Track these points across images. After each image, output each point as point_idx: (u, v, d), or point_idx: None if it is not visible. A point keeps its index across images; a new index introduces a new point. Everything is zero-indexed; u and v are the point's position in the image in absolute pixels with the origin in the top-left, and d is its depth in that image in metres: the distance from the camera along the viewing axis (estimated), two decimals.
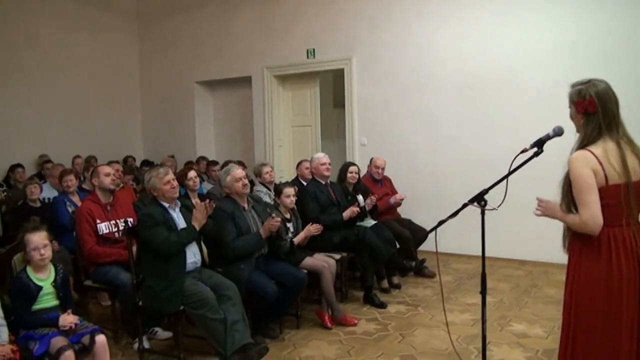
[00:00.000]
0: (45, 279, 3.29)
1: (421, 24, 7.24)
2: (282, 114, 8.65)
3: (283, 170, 8.41)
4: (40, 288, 3.25)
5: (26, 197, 5.61)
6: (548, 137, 2.77)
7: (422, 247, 6.37)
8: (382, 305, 5.20)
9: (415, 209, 6.77)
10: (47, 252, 3.27)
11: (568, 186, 2.44)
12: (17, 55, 7.95)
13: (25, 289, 3.21)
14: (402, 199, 6.33)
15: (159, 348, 4.29)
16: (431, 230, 3.20)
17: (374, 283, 5.44)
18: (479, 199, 2.99)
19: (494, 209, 2.98)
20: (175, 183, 4.01)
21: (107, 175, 4.54)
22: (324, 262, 4.79)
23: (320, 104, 8.42)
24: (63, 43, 8.53)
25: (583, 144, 2.44)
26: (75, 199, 5.59)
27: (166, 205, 3.99)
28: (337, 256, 5.15)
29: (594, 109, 2.41)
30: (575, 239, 2.51)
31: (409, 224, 6.36)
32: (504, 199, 2.93)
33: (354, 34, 7.71)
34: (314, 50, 8.02)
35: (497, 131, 6.81)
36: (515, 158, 2.84)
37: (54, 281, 3.32)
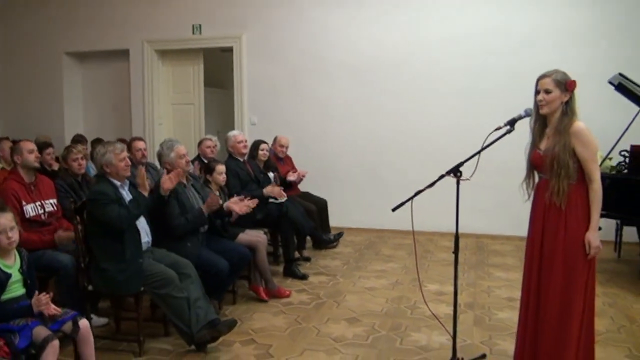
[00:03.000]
0: (12, 265, 3.01)
1: (314, 6, 7.50)
2: (162, 91, 8.38)
3: None
4: (9, 276, 2.97)
5: None
6: (520, 117, 3.18)
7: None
8: (304, 277, 5.44)
9: (305, 185, 7.02)
10: (15, 236, 3.00)
11: (572, 153, 2.92)
12: None
13: None
14: (304, 175, 6.56)
15: (103, 334, 4.09)
16: (407, 200, 3.44)
17: (293, 256, 5.65)
18: (455, 171, 3.31)
19: (467, 179, 3.32)
20: (129, 161, 3.85)
21: (31, 151, 4.17)
22: (257, 237, 4.89)
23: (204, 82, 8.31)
24: None
25: (575, 117, 2.97)
26: None
27: (117, 183, 3.82)
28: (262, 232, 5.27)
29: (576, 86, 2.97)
30: (577, 196, 2.99)
31: (310, 196, 6.66)
32: (474, 171, 3.27)
33: (244, 11, 7.72)
34: (200, 26, 7.87)
35: (385, 113, 7.36)
36: (489, 135, 3.20)
37: (21, 267, 3.06)
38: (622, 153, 5.53)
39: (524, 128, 3.22)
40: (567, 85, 2.97)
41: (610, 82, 5.27)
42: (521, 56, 6.64)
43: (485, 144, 3.24)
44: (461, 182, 3.26)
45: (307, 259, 6.07)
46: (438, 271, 5.65)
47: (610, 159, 5.39)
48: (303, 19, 7.56)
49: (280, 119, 7.66)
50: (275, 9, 7.63)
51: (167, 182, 3.97)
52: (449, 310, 4.49)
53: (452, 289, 5.04)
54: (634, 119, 5.22)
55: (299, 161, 7.04)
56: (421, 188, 3.36)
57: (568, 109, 2.99)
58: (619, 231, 6.14)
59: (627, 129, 5.29)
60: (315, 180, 7.08)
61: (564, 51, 6.56)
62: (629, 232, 6.07)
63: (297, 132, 7.46)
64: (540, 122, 3.13)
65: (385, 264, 5.97)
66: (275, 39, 7.67)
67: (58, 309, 3.01)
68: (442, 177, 3.33)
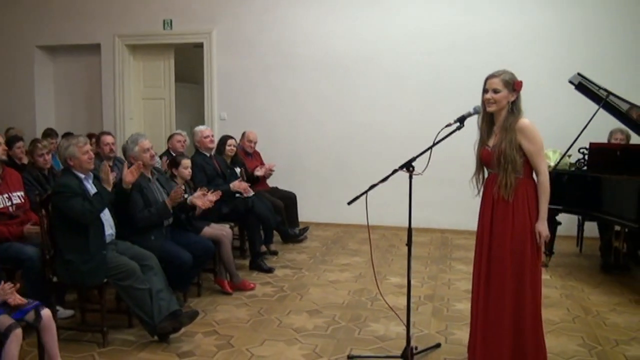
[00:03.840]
0: None
1: (285, 1, 7.58)
2: (133, 86, 8.39)
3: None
4: None
5: None
6: (469, 114, 3.31)
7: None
8: (270, 270, 5.55)
9: (274, 180, 7.07)
10: None
11: (518, 149, 3.07)
12: None
13: None
14: (272, 168, 6.61)
15: (68, 325, 4.15)
16: (362, 194, 3.57)
17: (259, 250, 5.74)
18: (408, 166, 3.44)
19: (420, 174, 3.45)
20: (92, 154, 3.91)
21: None
22: (222, 230, 4.98)
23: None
24: None
25: (521, 115, 3.14)
26: None
27: (82, 176, 3.88)
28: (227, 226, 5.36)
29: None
30: (524, 190, 3.14)
31: (277, 191, 6.76)
32: (426, 166, 3.39)
33: (214, 6, 7.78)
34: (171, 21, 7.91)
35: (355, 110, 7.51)
36: (440, 131, 3.33)
37: None
38: (582, 150, 5.71)
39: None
40: (514, 86, 3.12)
41: (571, 82, 5.45)
42: (484, 55, 6.78)
43: (437, 140, 3.37)
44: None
45: (275, 253, 6.17)
46: (401, 264, 5.78)
47: (570, 156, 5.57)
48: (274, 14, 7.64)
49: (250, 115, 7.74)
50: (245, 4, 7.70)
51: (129, 176, 4.03)
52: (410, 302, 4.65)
53: (412, 281, 5.21)
54: (592, 117, 5.40)
55: (268, 156, 7.10)
56: (375, 182, 3.47)
57: (514, 108, 3.14)
58: (580, 227, 6.34)
59: (585, 127, 5.46)
60: (284, 175, 7.19)
61: (526, 51, 6.76)
62: (590, 227, 6.25)
63: (267, 128, 7.55)
64: (488, 120, 3.27)
65: (351, 258, 6.10)
66: (246, 34, 7.74)
67: (22, 299, 3.08)
68: (395, 171, 3.45)
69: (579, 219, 6.31)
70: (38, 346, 3.23)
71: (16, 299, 3.04)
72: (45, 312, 3.13)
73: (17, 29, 8.57)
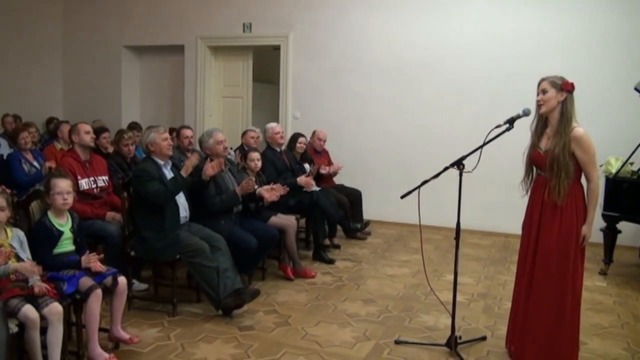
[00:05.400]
0: (64, 224, 3.51)
1: (355, 7, 7.86)
2: (213, 85, 8.91)
3: None
4: (61, 233, 3.46)
5: None
6: (518, 116, 3.45)
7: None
8: (331, 262, 5.81)
9: (340, 178, 7.33)
10: (70, 199, 3.49)
11: (571, 156, 3.20)
12: None
13: (49, 234, 3.42)
14: (339, 169, 6.93)
15: (143, 296, 4.58)
16: (414, 189, 3.78)
17: (322, 242, 6.01)
18: (458, 164, 3.61)
19: (470, 171, 3.62)
20: (171, 142, 4.32)
21: (87, 132, 4.69)
22: (288, 220, 5.29)
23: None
24: None
25: (574, 120, 3.24)
26: (29, 156, 5.61)
27: (161, 162, 4.29)
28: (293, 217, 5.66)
29: (574, 88, 3.23)
30: (573, 194, 3.26)
31: (344, 188, 7.01)
32: (476, 164, 3.55)
33: (292, 11, 8.16)
34: (250, 24, 8.36)
35: (417, 112, 7.68)
36: (490, 132, 3.49)
37: (72, 227, 3.55)
38: None
39: None
40: (562, 85, 3.23)
41: (636, 89, 5.40)
42: (553, 61, 6.74)
43: (486, 140, 3.52)
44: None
45: (337, 247, 6.42)
46: (460, 264, 5.79)
47: (632, 163, 5.50)
48: (343, 20, 7.94)
49: (320, 115, 8.05)
50: (319, 11, 8.03)
51: (209, 170, 4.43)
52: (462, 298, 4.79)
53: (469, 280, 5.41)
54: None
55: (334, 155, 7.39)
56: (428, 178, 3.68)
57: (564, 109, 3.24)
58: None
59: None
60: (350, 173, 7.44)
61: (593, 57, 6.71)
62: None
63: (334, 127, 7.83)
64: (541, 122, 3.40)
65: (411, 255, 6.26)
66: (318, 38, 8.07)
67: (103, 267, 3.49)
68: (446, 169, 3.65)
69: None
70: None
71: (97, 266, 3.46)
72: (121, 279, 3.52)
73: (106, 31, 9.33)
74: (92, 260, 3.46)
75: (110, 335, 3.60)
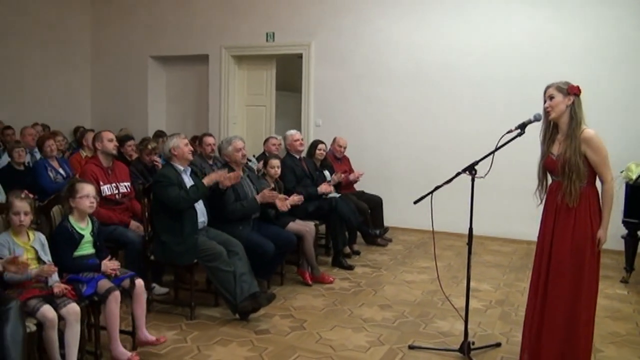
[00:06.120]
0: (85, 228, 3.62)
1: (376, 14, 7.91)
2: (237, 93, 9.05)
3: None
4: (82, 236, 3.58)
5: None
6: (529, 122, 3.46)
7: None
8: (350, 267, 5.84)
9: (361, 185, 7.34)
10: (94, 204, 3.63)
11: (583, 158, 3.18)
12: None
13: (70, 237, 3.54)
14: (360, 176, 6.96)
15: (163, 300, 4.68)
16: (427, 195, 3.81)
17: (342, 248, 6.05)
18: (470, 169, 3.63)
19: (482, 177, 3.63)
20: (191, 147, 4.44)
21: (111, 140, 4.83)
22: (306, 226, 5.35)
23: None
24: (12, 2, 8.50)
25: (583, 123, 3.22)
26: (55, 164, 5.78)
27: (180, 168, 4.40)
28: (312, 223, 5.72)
29: (581, 91, 3.22)
30: (586, 197, 3.24)
31: (363, 195, 7.04)
32: (488, 170, 3.57)
33: (313, 20, 8.25)
34: (273, 34, 8.47)
35: (440, 119, 7.66)
36: (502, 137, 3.51)
37: (92, 231, 3.66)
38: None
39: None
40: (568, 89, 3.23)
41: None
42: (575, 67, 6.67)
43: (498, 145, 3.54)
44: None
45: (357, 253, 6.46)
46: (479, 270, 5.87)
47: None
48: (366, 28, 7.98)
49: (342, 122, 8.10)
50: (340, 19, 8.10)
51: (227, 182, 4.53)
52: (479, 305, 4.79)
53: (487, 287, 5.38)
54: None
55: (357, 162, 7.42)
56: (440, 184, 3.72)
57: (573, 112, 3.23)
58: None
59: None
60: (372, 180, 7.46)
61: (615, 63, 6.62)
62: None
63: (357, 134, 7.88)
64: (551, 129, 3.39)
65: (431, 262, 6.18)
66: (340, 46, 8.14)
67: (119, 272, 3.61)
68: (458, 174, 3.69)
69: None
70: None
71: (116, 272, 3.57)
72: (139, 282, 3.62)
73: (133, 41, 9.57)
74: (110, 267, 3.57)
75: (137, 340, 3.70)
